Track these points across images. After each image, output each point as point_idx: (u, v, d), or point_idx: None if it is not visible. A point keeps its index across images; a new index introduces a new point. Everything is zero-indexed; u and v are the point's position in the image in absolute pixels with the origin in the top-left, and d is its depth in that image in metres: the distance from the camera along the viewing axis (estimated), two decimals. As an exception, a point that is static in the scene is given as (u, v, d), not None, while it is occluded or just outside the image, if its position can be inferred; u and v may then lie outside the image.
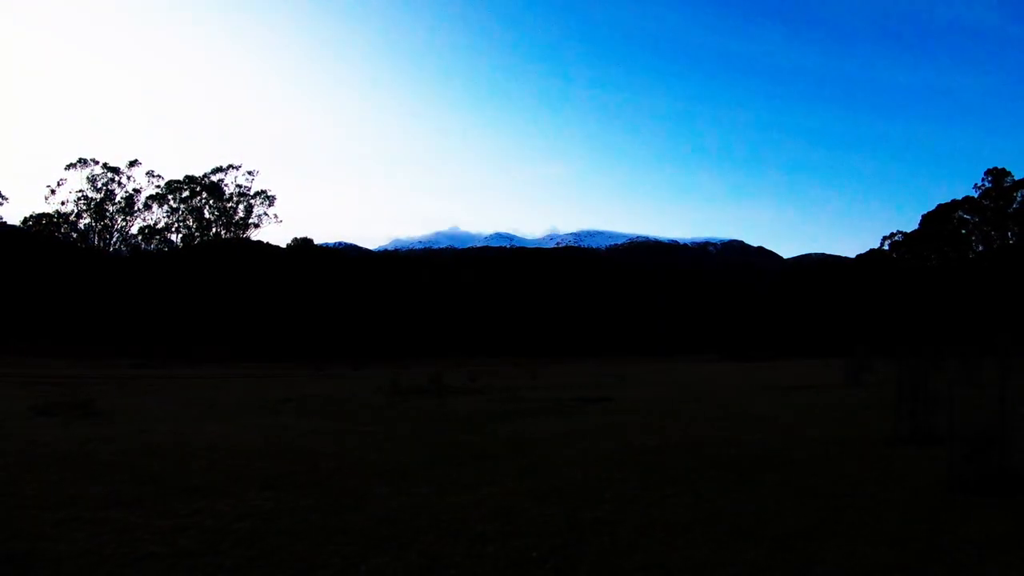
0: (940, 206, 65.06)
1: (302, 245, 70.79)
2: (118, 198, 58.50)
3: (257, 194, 61.82)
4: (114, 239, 59.43)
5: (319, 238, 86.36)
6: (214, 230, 60.98)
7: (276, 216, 64.63)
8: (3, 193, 54.36)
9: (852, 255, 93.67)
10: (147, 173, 59.65)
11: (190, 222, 60.50)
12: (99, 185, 57.76)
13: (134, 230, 59.67)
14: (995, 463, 6.06)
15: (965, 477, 6.07)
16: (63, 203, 56.93)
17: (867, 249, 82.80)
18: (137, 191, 59.19)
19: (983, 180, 60.76)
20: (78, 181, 57.29)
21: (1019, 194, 58.18)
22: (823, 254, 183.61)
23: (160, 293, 54.61)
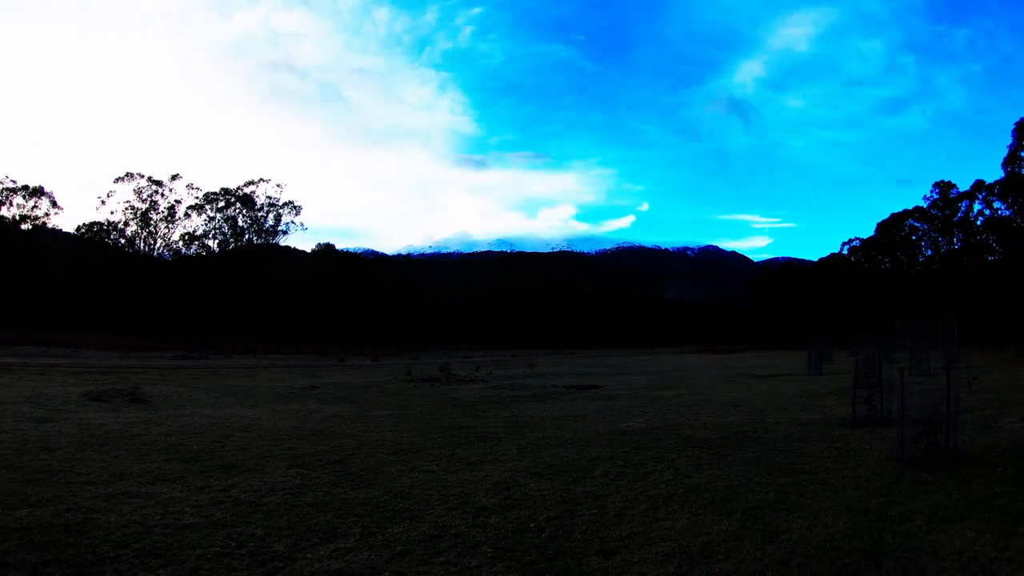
0: (893, 215, 64.97)
1: (325, 250, 70.73)
2: (161, 208, 58.24)
3: (285, 204, 61.48)
4: (158, 244, 59.18)
5: (341, 244, 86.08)
6: (247, 236, 60.76)
7: (302, 224, 64.32)
8: (58, 203, 54.05)
9: (815, 259, 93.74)
10: (187, 186, 59.38)
11: (225, 229, 60.27)
12: (144, 196, 57.51)
13: (175, 236, 59.37)
14: (941, 443, 6.07)
15: (914, 455, 6.08)
16: (112, 212, 56.62)
17: (828, 253, 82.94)
18: (178, 202, 58.91)
19: (932, 191, 60.74)
20: (125, 193, 57.07)
21: (963, 204, 58.06)
22: (789, 258, 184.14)
23: (199, 292, 54.49)
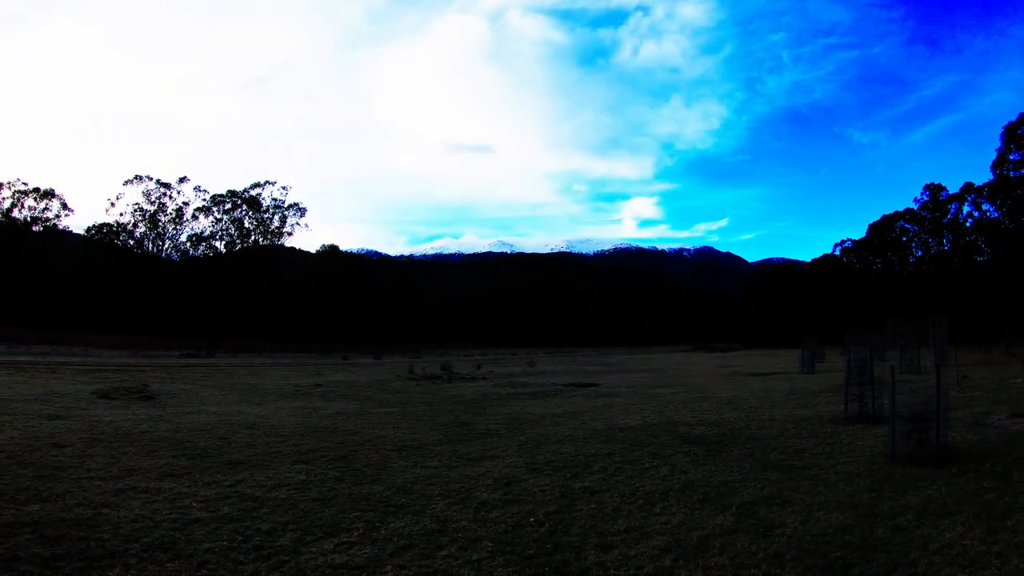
0: (884, 216, 64.95)
1: (330, 250, 70.72)
2: (169, 210, 58.23)
3: (290, 206, 61.49)
4: (166, 245, 59.20)
5: (344, 245, 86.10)
6: (253, 238, 60.76)
7: (307, 225, 64.87)
8: (68, 205, 54.09)
9: (808, 259, 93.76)
10: (195, 188, 59.36)
11: (232, 231, 60.28)
12: (153, 199, 57.50)
13: (183, 238, 59.38)
14: (931, 439, 6.07)
15: (905, 451, 6.08)
16: (121, 214, 56.58)
17: (821, 254, 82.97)
18: (186, 204, 58.85)
19: (922, 194, 60.78)
20: (134, 195, 57.05)
21: (953, 206, 58.05)
22: (783, 258, 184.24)
23: (206, 292, 54.45)
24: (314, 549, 3.86)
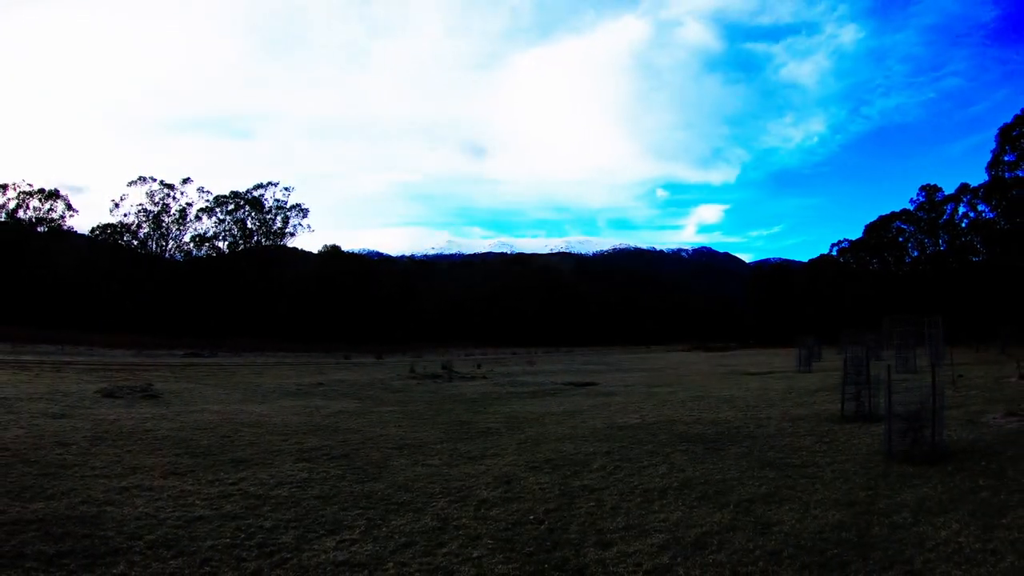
0: (881, 217, 64.93)
1: (332, 251, 70.73)
2: (173, 211, 58.29)
3: (293, 207, 61.57)
4: (169, 246, 59.21)
5: (346, 245, 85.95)
6: (255, 238, 60.82)
7: (309, 226, 64.68)
8: (73, 205, 54.15)
9: (805, 259, 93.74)
10: (198, 189, 59.48)
11: (235, 231, 60.33)
12: (156, 199, 57.54)
13: (187, 238, 59.41)
14: (927, 438, 6.07)
15: (901, 449, 6.08)
16: (125, 215, 56.72)
17: (818, 254, 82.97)
18: (189, 205, 58.94)
19: (918, 195, 60.78)
20: (138, 196, 57.12)
21: (948, 207, 58.01)
22: (780, 258, 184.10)
23: (209, 292, 54.44)
24: (316, 546, 3.86)
